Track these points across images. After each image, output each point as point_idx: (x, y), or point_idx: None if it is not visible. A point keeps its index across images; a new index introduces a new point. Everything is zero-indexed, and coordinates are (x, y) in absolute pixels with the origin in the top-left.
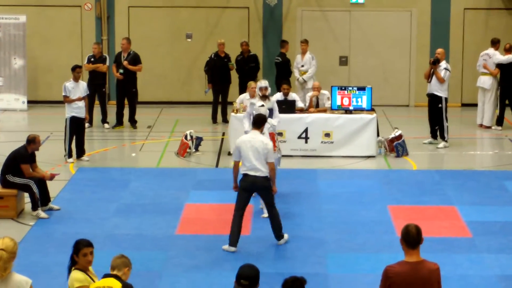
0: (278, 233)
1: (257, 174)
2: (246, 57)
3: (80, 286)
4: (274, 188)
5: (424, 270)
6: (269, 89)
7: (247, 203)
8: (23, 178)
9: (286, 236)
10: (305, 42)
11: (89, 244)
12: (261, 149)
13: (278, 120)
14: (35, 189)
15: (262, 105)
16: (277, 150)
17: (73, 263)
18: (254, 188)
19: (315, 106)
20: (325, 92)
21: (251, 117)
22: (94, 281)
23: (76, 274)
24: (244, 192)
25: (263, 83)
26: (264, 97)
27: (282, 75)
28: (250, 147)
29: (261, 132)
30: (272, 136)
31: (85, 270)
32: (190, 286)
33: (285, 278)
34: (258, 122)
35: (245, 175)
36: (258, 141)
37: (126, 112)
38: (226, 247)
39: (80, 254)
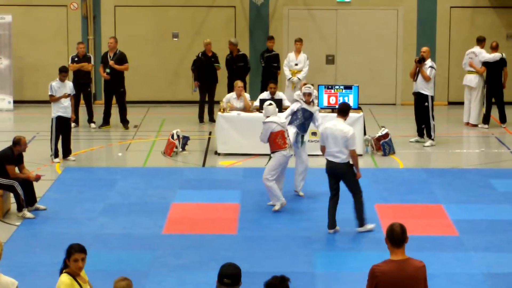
0: (360, 220)
1: (335, 160)
2: (235, 56)
3: None
4: (358, 174)
5: (410, 267)
6: (313, 94)
7: (336, 188)
8: (8, 179)
9: (369, 226)
10: (300, 41)
11: (81, 250)
12: (340, 137)
13: (318, 124)
14: (19, 190)
15: (270, 103)
16: (288, 147)
17: (65, 266)
18: (335, 173)
19: None
20: (314, 91)
21: (297, 114)
22: (82, 287)
23: (64, 278)
24: (329, 178)
25: (307, 89)
26: (308, 103)
27: (270, 69)
28: (330, 134)
29: (345, 119)
30: (281, 134)
31: (74, 275)
32: (177, 285)
33: (265, 280)
34: (343, 110)
35: (326, 160)
36: (338, 129)
37: (113, 112)
38: (329, 230)
39: (71, 259)
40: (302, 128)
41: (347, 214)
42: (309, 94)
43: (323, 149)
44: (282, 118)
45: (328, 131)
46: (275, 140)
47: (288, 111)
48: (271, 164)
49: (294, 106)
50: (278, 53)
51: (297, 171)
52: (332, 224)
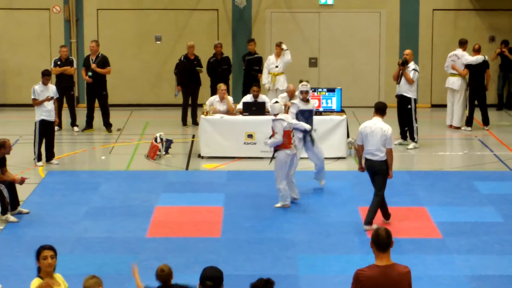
0: (369, 218)
1: (374, 158)
2: (219, 59)
3: None
4: (390, 173)
5: (395, 273)
6: (310, 92)
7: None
8: None
9: (374, 226)
10: (280, 45)
11: (50, 248)
12: (379, 135)
13: (307, 127)
14: (5, 193)
15: (276, 101)
16: (292, 147)
17: (39, 272)
18: (371, 171)
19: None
20: (297, 94)
21: (297, 117)
22: None
23: (35, 282)
24: (370, 176)
25: (304, 87)
26: (306, 101)
27: (251, 73)
28: (370, 132)
29: (382, 118)
30: (288, 134)
31: (44, 278)
32: None
33: (252, 281)
34: (381, 109)
35: (365, 158)
36: (378, 128)
37: (96, 115)
38: (385, 221)
39: (40, 257)
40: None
41: (333, 217)
42: (306, 92)
43: (360, 148)
44: (290, 118)
45: (368, 130)
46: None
47: (290, 116)
48: (276, 165)
49: (293, 109)
50: (261, 56)
51: (316, 169)
52: (387, 215)
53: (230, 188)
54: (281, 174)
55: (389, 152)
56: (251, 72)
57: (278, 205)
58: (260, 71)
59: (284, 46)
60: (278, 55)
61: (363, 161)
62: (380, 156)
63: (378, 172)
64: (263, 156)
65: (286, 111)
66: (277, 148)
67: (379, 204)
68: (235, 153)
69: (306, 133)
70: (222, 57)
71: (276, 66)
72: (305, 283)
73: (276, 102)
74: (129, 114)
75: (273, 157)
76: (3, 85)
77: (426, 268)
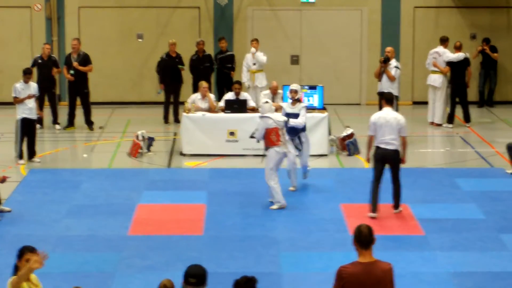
0: (397, 203)
1: (388, 147)
2: (201, 56)
3: None
4: (404, 159)
5: (377, 270)
6: (299, 92)
7: (382, 173)
8: None
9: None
10: (255, 40)
11: (33, 250)
12: (395, 124)
13: (300, 122)
14: None
15: (266, 102)
16: (281, 144)
17: (16, 271)
18: (385, 160)
19: None
20: (280, 92)
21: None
22: None
23: (12, 280)
24: (378, 164)
25: (293, 86)
26: (295, 101)
27: (223, 71)
28: (385, 122)
29: (396, 109)
30: (276, 131)
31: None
32: (143, 286)
33: (235, 279)
34: (390, 99)
35: (377, 147)
36: (392, 117)
37: (77, 113)
38: (370, 214)
39: (23, 259)
40: (294, 131)
41: (315, 214)
42: (295, 91)
43: (371, 138)
44: (279, 116)
45: (382, 120)
46: (269, 137)
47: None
48: (266, 162)
49: (282, 113)
50: (233, 54)
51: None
52: (375, 208)
53: (213, 186)
54: (270, 171)
55: (405, 140)
56: (223, 70)
57: (274, 207)
58: (233, 69)
59: (252, 49)
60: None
61: (371, 151)
62: (396, 145)
63: (393, 161)
64: (245, 154)
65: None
66: (267, 146)
67: (400, 187)
68: (217, 151)
69: (295, 136)
70: (204, 54)
71: (254, 64)
72: (288, 281)
73: (267, 102)
74: (111, 112)
75: (263, 155)
76: None
77: (408, 265)
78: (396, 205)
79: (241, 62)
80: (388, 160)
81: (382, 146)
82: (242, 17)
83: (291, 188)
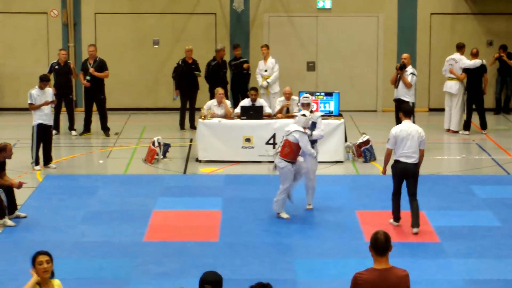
0: (417, 221)
1: (408, 161)
2: (220, 62)
3: None
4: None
5: (393, 277)
6: (311, 105)
7: (401, 187)
8: None
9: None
10: (265, 46)
11: (45, 253)
12: (417, 137)
13: (322, 134)
14: (3, 197)
15: (304, 115)
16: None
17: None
18: (405, 174)
19: (286, 111)
20: (295, 98)
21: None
22: None
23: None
24: (397, 178)
25: (305, 99)
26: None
27: (240, 77)
28: (407, 135)
29: (413, 121)
30: (288, 143)
31: (41, 283)
32: None
33: (250, 285)
34: (409, 111)
35: (396, 161)
36: (414, 130)
37: (93, 119)
38: (394, 222)
39: (36, 262)
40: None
41: (330, 221)
42: (308, 105)
43: (390, 152)
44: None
45: (404, 133)
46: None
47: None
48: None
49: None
50: (246, 60)
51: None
52: (397, 218)
53: (228, 192)
54: (284, 184)
55: (422, 153)
56: (241, 74)
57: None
58: (249, 74)
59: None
60: (265, 58)
61: (389, 165)
62: (416, 158)
63: (413, 175)
64: (260, 160)
65: (280, 111)
66: (293, 160)
67: (418, 205)
68: (232, 157)
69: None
70: (223, 60)
71: (265, 70)
72: None
73: (304, 115)
74: (127, 118)
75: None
76: (1, 90)
77: (423, 272)
78: (417, 224)
79: (254, 69)
80: (408, 174)
81: (403, 160)
82: (258, 23)
83: (308, 207)
